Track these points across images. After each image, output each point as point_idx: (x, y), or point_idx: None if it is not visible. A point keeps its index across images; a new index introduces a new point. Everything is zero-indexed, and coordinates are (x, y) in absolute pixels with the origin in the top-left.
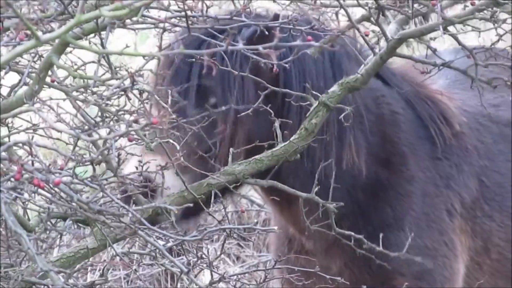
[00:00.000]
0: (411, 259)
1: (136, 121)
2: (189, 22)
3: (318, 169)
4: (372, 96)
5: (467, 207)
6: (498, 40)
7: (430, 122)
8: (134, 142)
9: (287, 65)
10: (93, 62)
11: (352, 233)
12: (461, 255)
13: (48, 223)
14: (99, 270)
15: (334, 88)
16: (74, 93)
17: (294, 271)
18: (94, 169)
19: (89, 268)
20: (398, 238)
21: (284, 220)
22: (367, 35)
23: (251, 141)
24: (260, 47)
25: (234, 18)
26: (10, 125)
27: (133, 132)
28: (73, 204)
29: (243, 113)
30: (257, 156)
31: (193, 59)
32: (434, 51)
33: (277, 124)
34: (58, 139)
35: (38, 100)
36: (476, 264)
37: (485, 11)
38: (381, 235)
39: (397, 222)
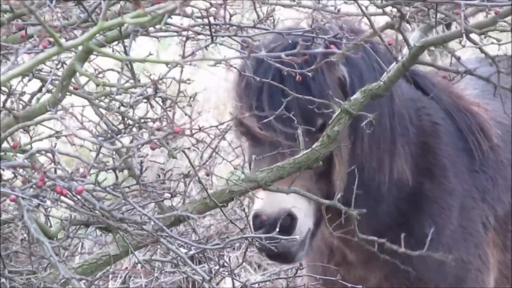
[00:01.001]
0: (446, 272)
1: (159, 129)
2: (213, 30)
3: (373, 180)
4: (414, 107)
5: (500, 220)
6: None
7: (468, 134)
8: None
9: (310, 73)
10: (113, 70)
11: (375, 238)
12: (493, 269)
13: (70, 230)
14: (121, 277)
15: (357, 95)
16: (97, 101)
17: (332, 282)
18: (116, 177)
19: (111, 275)
20: (437, 252)
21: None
22: (390, 44)
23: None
24: (282, 54)
25: (257, 26)
26: (32, 132)
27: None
28: (96, 211)
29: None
30: (279, 164)
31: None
32: (458, 59)
33: (299, 131)
34: (81, 145)
35: (61, 107)
36: (505, 278)
37: (506, 22)
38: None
39: (438, 236)
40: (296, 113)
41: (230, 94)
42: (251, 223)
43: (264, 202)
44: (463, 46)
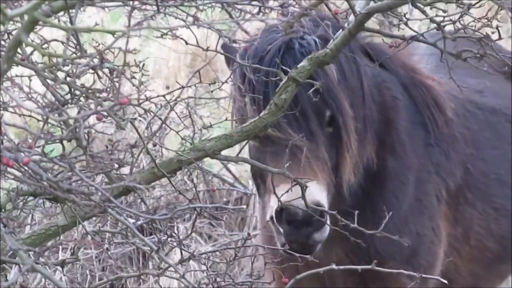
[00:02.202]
0: (402, 244)
1: (106, 100)
2: (159, 0)
3: None
4: (375, 83)
5: (451, 194)
6: (463, 14)
7: (424, 109)
8: (104, 120)
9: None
10: (56, 40)
11: (324, 208)
12: (443, 241)
13: (18, 201)
14: (70, 249)
15: (304, 63)
16: (44, 72)
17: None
18: (63, 148)
19: (60, 247)
20: (395, 226)
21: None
22: (336, 14)
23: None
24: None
25: None
26: None
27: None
28: (43, 182)
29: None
30: (227, 132)
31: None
32: (406, 23)
33: (247, 99)
34: (30, 116)
35: (6, 78)
36: (455, 250)
37: None
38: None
39: (397, 211)
40: (307, 106)
41: (233, 93)
42: (274, 215)
43: (291, 194)
44: (410, 13)
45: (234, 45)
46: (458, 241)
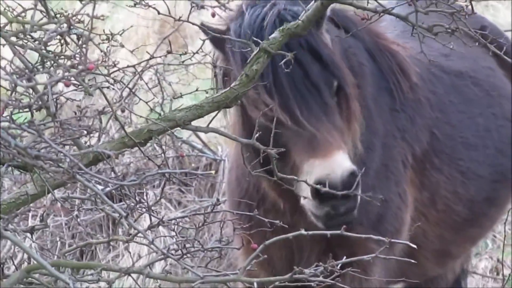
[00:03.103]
0: (369, 210)
1: (73, 67)
2: None
3: None
4: (341, 48)
5: (417, 159)
6: None
7: (389, 74)
8: (72, 87)
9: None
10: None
11: (295, 177)
12: (410, 206)
13: None
14: (40, 216)
15: (275, 34)
16: (12, 39)
17: (254, 219)
18: (32, 115)
19: (30, 213)
20: (363, 192)
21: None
22: None
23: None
24: None
25: None
26: None
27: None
28: (11, 149)
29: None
30: (197, 102)
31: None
32: None
33: (218, 70)
34: None
35: None
36: (422, 215)
37: None
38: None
39: (365, 177)
40: (319, 78)
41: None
42: (309, 192)
43: (324, 166)
44: None
45: (203, 9)
46: (425, 206)
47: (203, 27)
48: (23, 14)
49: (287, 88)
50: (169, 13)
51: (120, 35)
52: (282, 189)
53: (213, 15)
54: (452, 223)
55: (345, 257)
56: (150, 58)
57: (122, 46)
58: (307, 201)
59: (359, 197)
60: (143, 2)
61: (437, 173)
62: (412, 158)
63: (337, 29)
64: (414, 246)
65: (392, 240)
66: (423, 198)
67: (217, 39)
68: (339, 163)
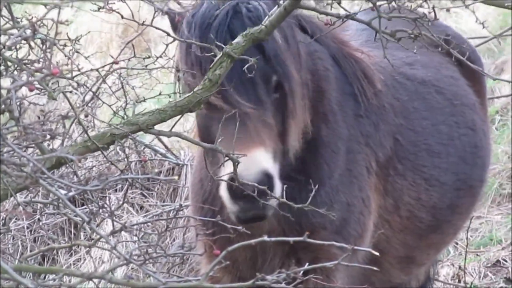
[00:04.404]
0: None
1: (37, 71)
2: None
3: None
4: (308, 51)
5: (381, 165)
6: None
7: (354, 80)
8: (36, 92)
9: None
10: None
11: (255, 184)
12: (373, 212)
13: None
14: (2, 219)
15: (238, 39)
16: None
17: (218, 224)
18: None
19: None
20: (327, 194)
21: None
22: None
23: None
24: None
25: None
26: None
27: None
28: None
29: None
30: (160, 107)
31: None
32: (339, 2)
33: (181, 75)
34: None
35: None
36: (385, 222)
37: None
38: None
39: (329, 179)
40: (256, 73)
41: (179, 62)
42: (226, 190)
43: (243, 165)
44: None
45: (167, 15)
46: (388, 212)
47: (167, 11)
48: None
49: (225, 79)
50: (133, 17)
51: (78, 40)
52: None
53: (178, 21)
54: (415, 229)
55: (307, 263)
56: (113, 62)
57: (82, 54)
58: (223, 194)
59: (276, 192)
60: (107, 6)
61: (400, 179)
62: (376, 164)
63: (303, 33)
64: (377, 253)
65: (355, 247)
66: (387, 204)
67: (176, 25)
68: (254, 161)
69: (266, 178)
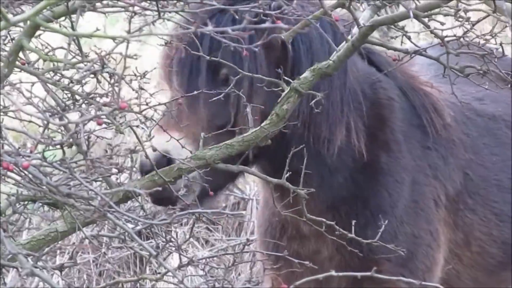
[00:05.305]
0: (398, 246)
1: (106, 105)
2: (160, 6)
3: (324, 152)
4: (369, 81)
5: (451, 199)
6: (469, 30)
7: (422, 112)
8: (103, 125)
9: (256, 49)
10: (62, 47)
11: (323, 220)
12: (443, 246)
13: (17, 206)
14: (68, 253)
15: (306, 74)
16: (45, 77)
17: (283, 257)
18: (63, 152)
19: (58, 251)
20: (390, 224)
21: (283, 205)
22: (337, 21)
23: (266, 113)
24: (229, 29)
25: (204, 2)
26: None
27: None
28: (43, 187)
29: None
30: (227, 142)
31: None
32: (409, 38)
33: (248, 109)
34: (30, 121)
35: (7, 83)
36: (456, 256)
37: (449, 7)
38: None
39: (392, 209)
40: (203, 63)
41: (163, 70)
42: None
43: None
44: (411, 20)
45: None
46: (459, 247)
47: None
48: (51, 53)
49: (183, 67)
50: (199, 50)
51: (145, 75)
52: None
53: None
54: (486, 265)
55: None
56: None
57: (146, 91)
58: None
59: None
60: (175, 39)
61: (471, 214)
62: (445, 198)
63: (369, 66)
64: None
65: (423, 282)
66: (457, 238)
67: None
68: (160, 141)
69: (164, 160)
